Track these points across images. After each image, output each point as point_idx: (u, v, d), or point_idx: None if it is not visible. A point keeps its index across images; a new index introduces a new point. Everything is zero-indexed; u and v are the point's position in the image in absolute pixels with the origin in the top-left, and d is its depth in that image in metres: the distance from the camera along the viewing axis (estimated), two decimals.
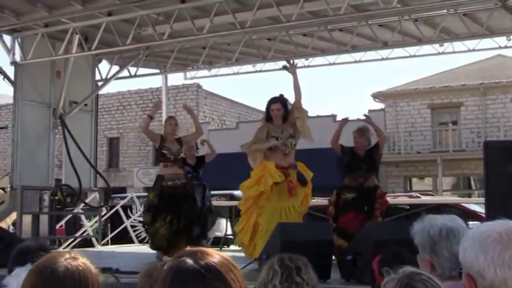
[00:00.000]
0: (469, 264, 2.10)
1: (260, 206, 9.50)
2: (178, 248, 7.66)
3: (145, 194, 19.13)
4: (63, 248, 14.62)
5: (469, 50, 14.54)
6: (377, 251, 5.52)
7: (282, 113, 9.81)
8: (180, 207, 10.62)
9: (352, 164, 10.06)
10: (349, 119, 10.39)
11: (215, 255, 1.95)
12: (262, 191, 9.43)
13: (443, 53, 14.57)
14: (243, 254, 10.75)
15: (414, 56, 14.86)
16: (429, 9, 12.21)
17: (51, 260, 2.15)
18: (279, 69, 16.12)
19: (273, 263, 3.65)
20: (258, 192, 9.48)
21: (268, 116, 9.93)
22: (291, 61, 10.77)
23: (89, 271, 2.16)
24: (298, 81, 9.99)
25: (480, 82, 30.68)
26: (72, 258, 2.17)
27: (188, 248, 1.98)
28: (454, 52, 14.70)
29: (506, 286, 2.01)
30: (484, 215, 9.58)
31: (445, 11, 12.71)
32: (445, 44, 14.37)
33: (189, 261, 1.90)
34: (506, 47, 14.29)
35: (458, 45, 14.49)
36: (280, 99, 9.93)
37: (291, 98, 10.18)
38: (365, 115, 10.89)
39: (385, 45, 14.18)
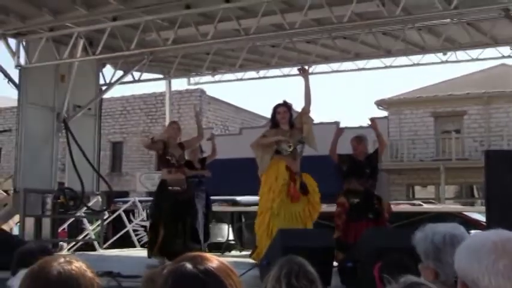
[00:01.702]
0: (463, 273, 2.13)
1: (271, 207, 9.46)
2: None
3: (148, 198, 19.21)
4: (66, 251, 14.66)
5: (473, 59, 14.57)
6: (378, 258, 5.55)
7: (288, 116, 9.86)
8: (184, 214, 10.67)
9: (355, 169, 10.09)
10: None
11: (214, 261, 1.98)
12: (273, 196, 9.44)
13: (446, 61, 14.58)
14: (244, 260, 10.76)
15: (417, 64, 14.88)
16: (433, 18, 12.23)
17: (45, 264, 2.15)
18: (283, 76, 16.20)
19: (280, 278, 3.61)
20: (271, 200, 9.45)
21: (274, 122, 9.95)
22: (305, 67, 10.83)
23: (83, 275, 2.15)
24: (310, 87, 10.01)
25: (484, 91, 30.71)
26: (66, 262, 2.17)
27: (188, 253, 2.02)
28: (457, 61, 14.73)
29: None
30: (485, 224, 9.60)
31: (449, 20, 12.75)
32: (448, 53, 14.39)
33: (189, 266, 1.94)
34: (509, 56, 14.32)
35: (461, 54, 14.53)
36: (285, 104, 9.99)
37: (297, 105, 10.22)
38: (371, 119, 10.90)
39: (389, 53, 14.23)
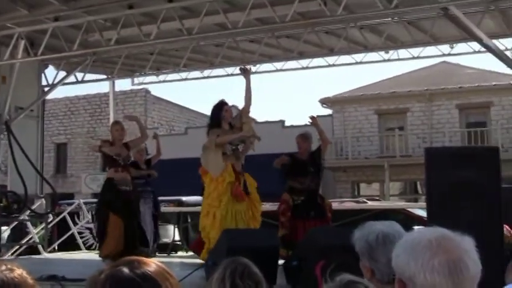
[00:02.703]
0: (400, 270, 2.17)
1: (220, 206, 9.40)
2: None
3: (93, 200, 19.02)
4: (10, 255, 14.46)
5: (414, 57, 14.81)
6: (322, 256, 5.59)
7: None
8: (132, 214, 10.55)
9: (298, 168, 10.14)
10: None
11: (151, 264, 1.99)
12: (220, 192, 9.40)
13: (388, 60, 14.79)
14: (190, 260, 10.72)
15: (360, 62, 15.06)
16: (374, 17, 12.36)
17: None
18: (227, 75, 16.20)
19: (224, 278, 3.62)
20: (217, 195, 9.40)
21: (218, 120, 9.84)
22: (247, 67, 10.84)
23: (25, 282, 2.13)
24: (251, 87, 10.01)
25: (426, 88, 31.14)
26: (8, 269, 2.14)
27: (125, 257, 2.02)
28: (399, 59, 14.95)
29: None
30: None
31: (390, 19, 12.91)
32: (390, 51, 14.58)
33: (126, 270, 1.94)
34: (449, 54, 14.56)
35: (403, 52, 14.74)
36: (227, 103, 9.97)
37: (239, 104, 10.21)
38: (311, 116, 10.88)
39: (332, 52, 14.35)
